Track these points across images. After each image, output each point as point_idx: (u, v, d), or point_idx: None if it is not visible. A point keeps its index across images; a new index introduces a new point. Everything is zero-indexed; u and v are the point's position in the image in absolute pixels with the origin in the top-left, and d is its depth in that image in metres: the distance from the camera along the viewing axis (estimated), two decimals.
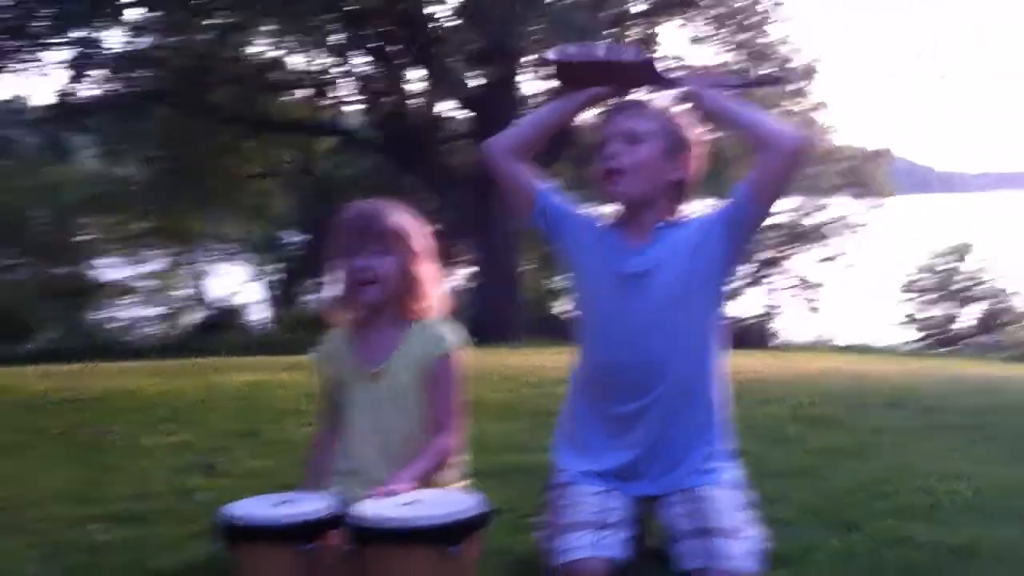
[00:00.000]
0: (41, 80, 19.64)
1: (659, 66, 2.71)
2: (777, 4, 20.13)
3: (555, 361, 8.56)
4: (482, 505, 2.40)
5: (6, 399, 5.83)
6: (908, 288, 32.36)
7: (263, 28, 20.28)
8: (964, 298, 31.33)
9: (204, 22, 19.55)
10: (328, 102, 24.89)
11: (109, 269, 31.99)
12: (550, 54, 2.84)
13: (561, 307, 29.14)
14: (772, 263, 31.90)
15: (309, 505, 2.47)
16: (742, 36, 20.16)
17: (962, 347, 27.68)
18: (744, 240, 2.68)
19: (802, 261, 33.09)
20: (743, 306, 31.34)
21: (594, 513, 2.54)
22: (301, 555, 2.35)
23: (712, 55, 21.04)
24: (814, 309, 32.35)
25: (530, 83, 23.25)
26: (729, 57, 20.63)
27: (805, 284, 32.66)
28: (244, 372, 7.48)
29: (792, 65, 19.79)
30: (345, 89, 23.21)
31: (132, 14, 18.77)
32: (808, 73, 20.44)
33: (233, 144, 23.75)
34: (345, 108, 25.40)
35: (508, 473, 3.71)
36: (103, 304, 31.08)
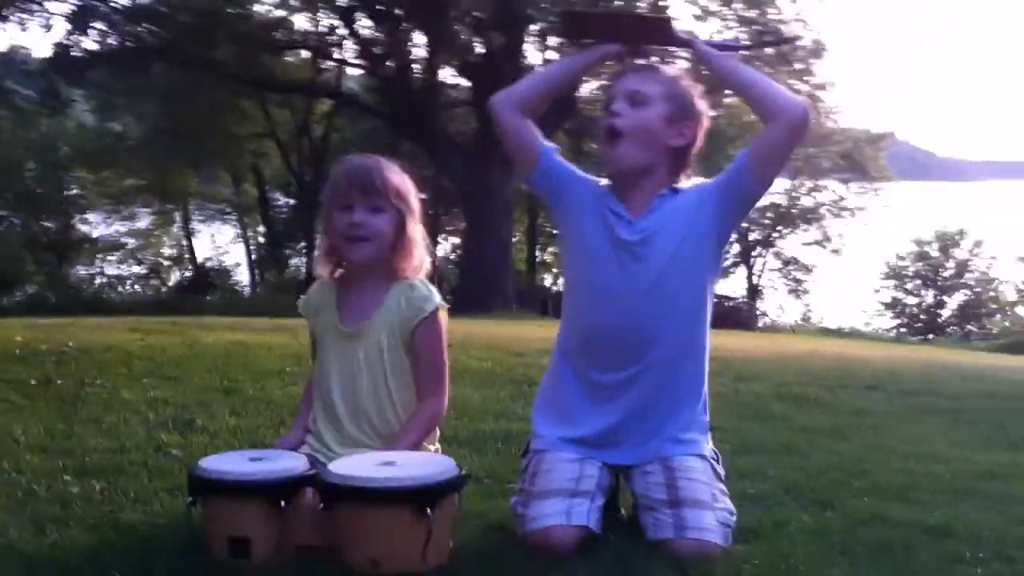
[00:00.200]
0: (43, 33, 19.58)
1: (675, 24, 2.70)
2: None
3: (540, 331, 8.56)
4: (457, 468, 2.39)
5: None
6: (896, 274, 32.49)
7: None
8: (951, 286, 31.48)
9: None
10: (330, 64, 24.78)
11: (98, 225, 31.85)
12: (570, 7, 2.84)
13: (548, 279, 29.23)
14: (763, 243, 31.97)
15: (284, 462, 2.46)
16: (750, 12, 20.07)
17: (946, 335, 27.83)
18: (739, 212, 2.68)
19: (793, 243, 33.15)
20: (731, 285, 31.44)
21: (568, 480, 2.55)
22: (275, 511, 2.34)
23: (719, 30, 20.98)
24: (803, 291, 32.47)
25: (535, 52, 23.22)
26: (735, 34, 20.58)
27: (795, 266, 32.76)
28: (228, 332, 7.46)
29: (801, 43, 19.72)
30: (348, 52, 23.09)
31: None
32: (816, 51, 20.37)
33: (233, 103, 23.61)
34: (347, 71, 25.30)
35: (488, 439, 3.70)
36: (90, 260, 30.98)
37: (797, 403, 4.91)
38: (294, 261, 29.22)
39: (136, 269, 31.79)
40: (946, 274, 32.02)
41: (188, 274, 30.50)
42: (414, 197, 2.74)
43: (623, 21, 2.78)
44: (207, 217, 33.41)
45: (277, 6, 21.88)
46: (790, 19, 20.17)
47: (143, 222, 32.42)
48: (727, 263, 28.41)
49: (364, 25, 20.49)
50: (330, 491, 2.30)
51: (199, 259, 31.69)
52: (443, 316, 2.73)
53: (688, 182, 2.74)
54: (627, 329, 2.62)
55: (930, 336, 27.96)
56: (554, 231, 3.36)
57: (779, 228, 32.19)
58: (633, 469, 2.65)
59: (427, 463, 2.44)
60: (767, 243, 32.35)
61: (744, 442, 3.83)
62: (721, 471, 2.67)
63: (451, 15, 17.25)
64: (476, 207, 20.59)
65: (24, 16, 18.57)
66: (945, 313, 31.77)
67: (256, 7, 21.22)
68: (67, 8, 18.96)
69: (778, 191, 28.52)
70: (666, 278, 2.61)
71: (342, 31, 21.98)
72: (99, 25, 19.11)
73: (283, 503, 2.35)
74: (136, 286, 29.67)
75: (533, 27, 20.26)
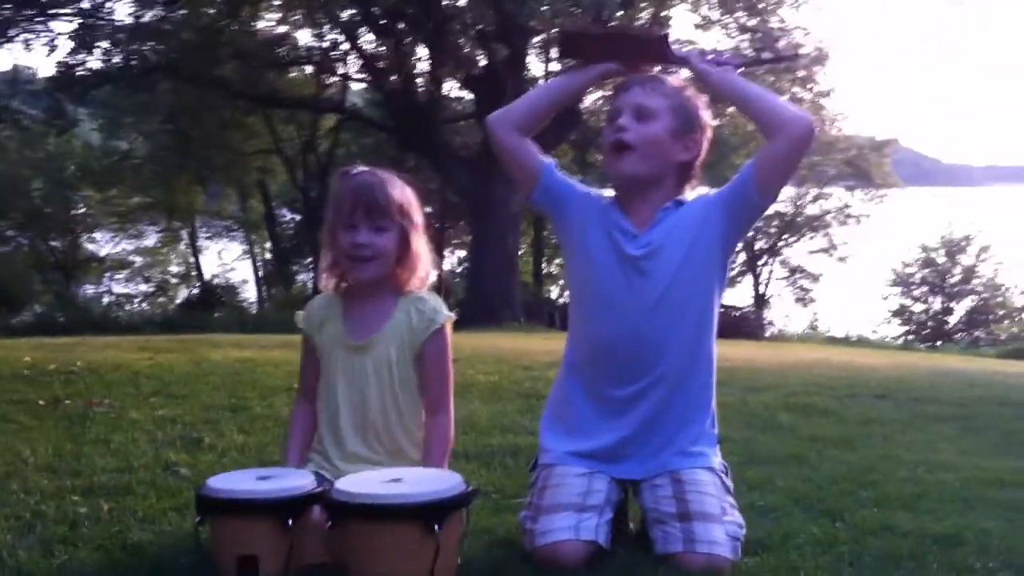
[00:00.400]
0: (48, 51, 19.62)
1: (672, 43, 2.70)
2: None
3: (547, 344, 8.55)
4: (465, 484, 2.39)
5: None
6: (903, 281, 32.42)
7: (272, 2, 20.23)
8: (958, 292, 31.40)
9: None
10: (334, 79, 24.87)
11: (105, 243, 31.94)
12: (567, 27, 2.84)
13: (555, 291, 29.22)
14: (769, 252, 31.92)
15: (292, 480, 2.46)
16: (752, 21, 20.10)
17: (954, 341, 27.76)
18: (744, 224, 2.67)
19: (799, 251, 33.09)
20: (738, 295, 31.39)
21: (577, 495, 2.54)
22: (283, 529, 2.34)
23: (720, 39, 21.01)
24: (810, 300, 32.41)
25: (538, 64, 23.27)
26: (737, 42, 20.60)
27: (801, 274, 32.70)
28: (235, 349, 7.48)
29: (803, 51, 19.73)
30: (352, 67, 23.18)
31: None
32: (819, 59, 20.38)
33: (238, 120, 23.70)
34: (351, 86, 25.39)
35: (495, 454, 3.70)
36: (98, 278, 31.06)
37: (805, 413, 4.90)
38: (301, 277, 29.26)
39: (143, 287, 31.89)
40: (953, 280, 31.95)
41: (195, 291, 30.55)
42: (417, 210, 2.75)
43: (620, 40, 2.78)
44: (214, 234, 33.52)
45: (280, 22, 22.00)
46: (792, 27, 20.22)
47: (150, 240, 32.53)
48: (733, 272, 28.37)
49: (367, 40, 20.58)
50: (337, 508, 2.30)
51: (206, 276, 31.76)
52: (450, 328, 2.74)
53: (692, 192, 2.74)
54: (634, 343, 2.61)
55: (938, 343, 27.88)
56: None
57: (785, 236, 32.15)
58: (642, 483, 2.65)
59: (434, 479, 2.43)
60: (773, 252, 32.31)
61: (752, 453, 3.83)
62: (730, 484, 2.67)
63: (454, 28, 17.30)
64: (482, 220, 20.60)
65: (29, 36, 18.68)
66: (953, 319, 31.68)
67: (259, 23, 21.34)
68: (71, 27, 19.08)
69: (783, 199, 28.48)
70: (672, 291, 2.60)
71: (345, 46, 22.07)
72: (103, 44, 19.20)
73: (291, 521, 2.35)
74: (144, 304, 29.74)
75: (535, 39, 20.32)
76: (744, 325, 25.78)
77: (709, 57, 2.68)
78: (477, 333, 11.67)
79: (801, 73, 19.87)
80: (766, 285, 32.43)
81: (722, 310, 2.74)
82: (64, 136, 23.89)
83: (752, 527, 2.64)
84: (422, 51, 19.30)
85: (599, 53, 2.72)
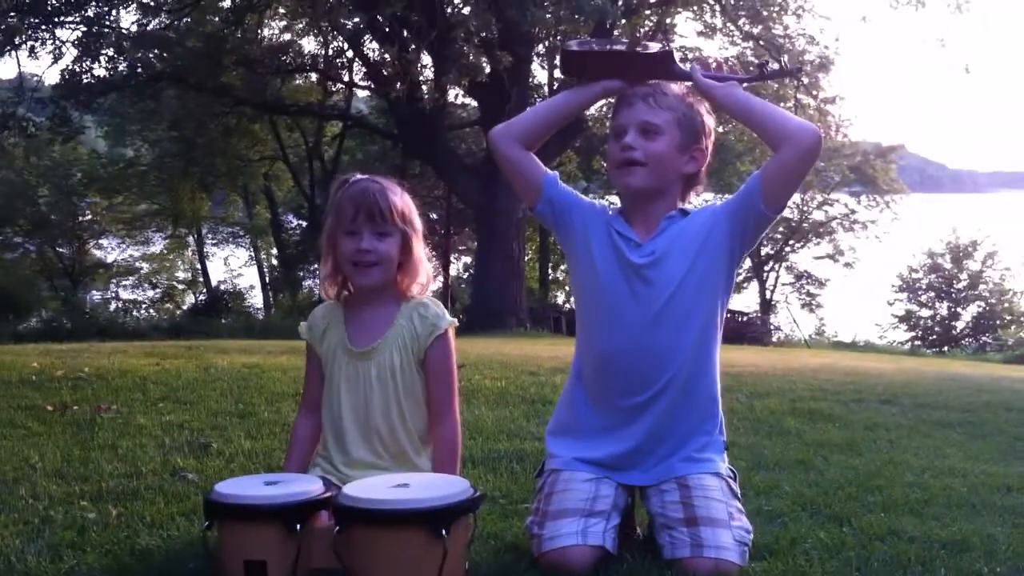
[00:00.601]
0: (53, 59, 19.62)
1: (677, 58, 2.70)
2: None
3: (553, 350, 8.56)
4: (472, 489, 2.40)
5: (1, 375, 5.82)
6: (910, 287, 32.39)
7: (278, 10, 20.29)
8: (965, 298, 31.36)
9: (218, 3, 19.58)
10: (339, 87, 24.93)
11: (112, 250, 32.01)
12: (572, 44, 2.83)
13: (561, 297, 29.22)
14: (775, 258, 31.91)
15: (299, 485, 2.47)
16: (755, 28, 20.12)
17: (961, 346, 27.71)
18: (751, 235, 2.65)
19: (805, 257, 33.07)
20: (744, 300, 31.39)
21: (584, 500, 2.55)
22: (290, 535, 2.35)
23: (723, 47, 21.02)
24: (816, 305, 32.39)
25: (542, 72, 23.31)
26: (740, 50, 20.61)
27: (807, 280, 32.68)
28: (242, 355, 7.48)
29: (807, 58, 19.73)
30: (356, 74, 23.24)
31: None
32: (823, 66, 20.37)
33: (243, 127, 23.78)
34: (355, 93, 25.46)
35: (502, 459, 3.70)
36: (105, 285, 31.13)
37: (812, 418, 4.89)
38: (307, 283, 29.31)
39: (150, 293, 31.97)
40: (960, 286, 31.91)
41: (202, 297, 30.61)
42: (417, 217, 2.77)
43: (623, 58, 2.77)
44: (220, 240, 33.60)
45: (284, 30, 22.06)
46: (796, 34, 20.23)
47: (157, 246, 32.63)
48: (739, 278, 28.39)
49: (372, 48, 20.63)
50: (345, 513, 2.31)
51: (213, 282, 31.83)
52: (453, 333, 2.75)
53: (698, 199, 2.74)
54: (638, 352, 2.61)
55: (945, 348, 27.86)
56: None
57: (791, 242, 32.16)
58: (649, 488, 2.65)
59: (442, 484, 2.44)
60: (779, 257, 32.31)
61: (759, 458, 3.83)
62: (737, 489, 2.67)
63: (458, 36, 17.33)
64: (487, 226, 20.63)
65: (34, 44, 18.75)
66: (959, 325, 31.64)
67: (264, 31, 21.41)
68: (76, 35, 19.14)
69: (789, 205, 28.47)
70: (676, 301, 2.60)
71: (350, 54, 22.13)
72: (108, 51, 19.27)
73: (298, 526, 2.35)
74: (151, 310, 29.80)
75: (539, 47, 20.35)
76: (750, 330, 25.81)
77: (712, 66, 2.68)
78: (483, 339, 11.68)
79: (805, 80, 19.87)
80: (772, 291, 32.44)
81: (728, 315, 2.74)
82: (70, 143, 23.97)
83: (759, 532, 2.65)
84: (426, 59, 19.34)
85: (602, 70, 2.72)
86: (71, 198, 28.74)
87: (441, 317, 2.72)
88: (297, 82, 24.70)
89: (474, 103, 22.70)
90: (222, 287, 31.32)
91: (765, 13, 20.01)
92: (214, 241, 33.60)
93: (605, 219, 2.70)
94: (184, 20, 20.14)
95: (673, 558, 2.49)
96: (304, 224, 29.80)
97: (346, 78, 24.32)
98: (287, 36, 22.25)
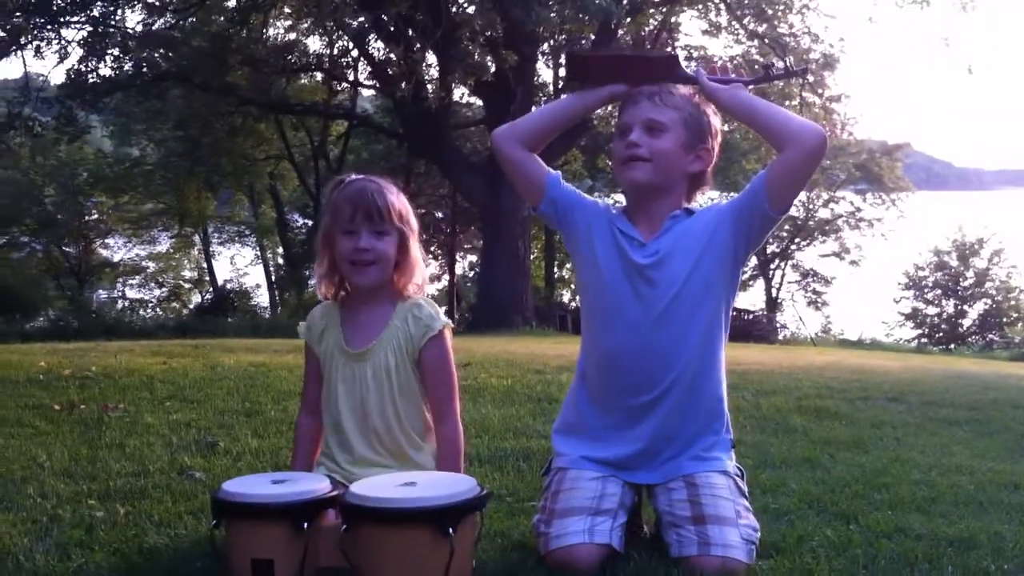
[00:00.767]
0: (59, 59, 19.67)
1: (682, 61, 2.70)
2: None
3: (559, 348, 8.56)
4: (478, 488, 2.40)
5: (8, 375, 5.84)
6: (916, 285, 32.35)
7: (283, 9, 20.31)
8: (971, 296, 31.32)
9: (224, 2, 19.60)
10: (344, 86, 24.94)
11: (118, 249, 32.07)
12: (575, 49, 2.83)
13: (566, 295, 29.22)
14: (781, 256, 31.88)
15: (306, 484, 2.48)
16: (760, 27, 20.09)
17: (968, 344, 27.68)
18: (756, 236, 2.64)
19: (811, 255, 33.03)
20: (750, 299, 31.36)
21: (590, 498, 2.55)
22: (297, 533, 2.35)
23: (728, 45, 20.99)
24: (822, 303, 32.36)
25: (547, 71, 23.31)
26: (745, 48, 20.58)
27: (813, 278, 32.65)
28: (249, 353, 7.50)
29: (812, 56, 19.70)
30: (361, 73, 23.24)
31: None
32: (829, 64, 20.34)
33: (249, 126, 23.81)
34: (361, 92, 25.47)
35: (508, 457, 3.70)
36: (111, 284, 31.19)
37: (818, 416, 4.89)
38: (313, 281, 29.33)
39: (157, 292, 32.03)
40: (966, 283, 31.87)
41: (208, 296, 30.66)
42: (413, 217, 2.78)
43: (627, 62, 2.76)
44: (226, 239, 33.66)
45: (290, 29, 22.08)
46: (801, 32, 20.19)
47: (163, 245, 32.69)
48: (745, 276, 28.38)
49: (377, 47, 20.65)
50: (352, 512, 2.31)
51: (219, 281, 31.88)
52: (449, 334, 2.75)
53: (703, 198, 2.73)
54: (643, 353, 2.61)
55: (951, 346, 27.82)
56: None
57: (797, 240, 32.12)
58: (656, 486, 2.65)
59: (449, 483, 2.44)
60: (785, 255, 32.28)
61: (765, 456, 3.83)
62: (744, 487, 2.67)
63: (463, 35, 17.35)
64: (492, 225, 20.63)
65: (40, 44, 18.78)
66: (966, 323, 31.60)
67: (269, 30, 21.44)
68: (82, 35, 19.18)
69: (795, 203, 28.47)
70: (680, 301, 2.59)
71: (355, 53, 22.14)
72: (114, 51, 19.30)
73: (306, 525, 2.36)
74: (157, 309, 29.86)
75: (544, 46, 20.34)
76: (756, 328, 25.79)
77: (717, 67, 2.68)
78: (489, 337, 11.69)
79: (811, 78, 19.84)
80: (778, 288, 32.42)
81: (734, 313, 2.74)
82: (76, 143, 24.01)
83: (766, 530, 2.65)
84: (431, 58, 19.35)
85: (607, 75, 2.72)
86: (77, 198, 28.80)
87: (434, 318, 2.72)
88: (302, 81, 24.71)
89: (479, 102, 22.72)
90: (228, 286, 31.38)
91: (770, 11, 19.99)
92: (220, 240, 33.66)
93: (608, 218, 2.69)
94: (189, 20, 20.15)
95: (680, 556, 2.49)
96: (310, 223, 29.83)
97: (351, 77, 24.34)
98: (292, 35, 22.28)
